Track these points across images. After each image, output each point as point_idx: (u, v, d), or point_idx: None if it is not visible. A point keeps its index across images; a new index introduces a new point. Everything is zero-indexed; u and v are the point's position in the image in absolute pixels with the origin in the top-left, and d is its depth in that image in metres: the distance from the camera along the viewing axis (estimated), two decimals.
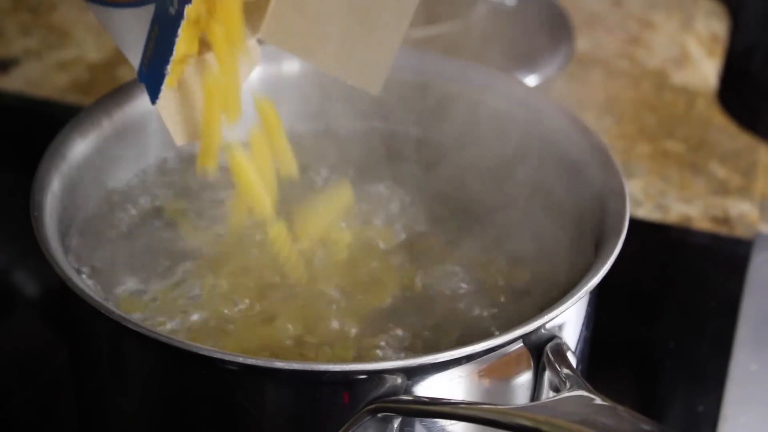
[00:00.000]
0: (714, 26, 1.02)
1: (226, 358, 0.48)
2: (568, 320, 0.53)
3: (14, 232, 0.80)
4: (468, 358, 0.50)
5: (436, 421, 0.51)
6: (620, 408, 0.45)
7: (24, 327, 0.75)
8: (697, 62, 0.98)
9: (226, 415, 0.50)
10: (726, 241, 0.79)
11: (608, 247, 0.54)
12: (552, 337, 0.52)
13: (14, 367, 0.71)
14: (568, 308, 0.51)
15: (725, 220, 0.82)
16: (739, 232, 0.81)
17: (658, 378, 0.70)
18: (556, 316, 0.51)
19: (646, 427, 0.43)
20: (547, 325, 0.51)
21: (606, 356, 0.70)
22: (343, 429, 0.49)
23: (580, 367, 0.56)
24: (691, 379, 0.70)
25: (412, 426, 0.50)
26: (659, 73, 0.96)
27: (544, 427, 0.45)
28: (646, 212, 0.82)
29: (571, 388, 0.47)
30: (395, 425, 0.50)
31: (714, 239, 0.80)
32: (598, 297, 0.56)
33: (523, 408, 0.46)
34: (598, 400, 0.46)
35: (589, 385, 0.48)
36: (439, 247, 0.60)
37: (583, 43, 0.98)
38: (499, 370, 0.51)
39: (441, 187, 0.64)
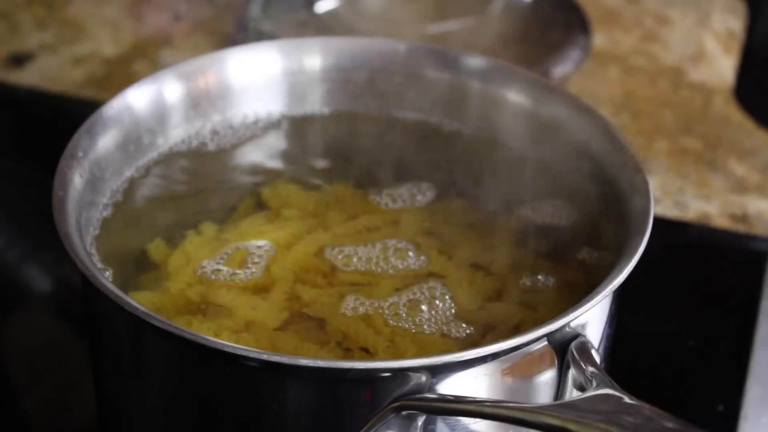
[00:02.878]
0: (730, 23, 1.02)
1: (250, 354, 0.48)
2: (592, 319, 0.53)
3: (27, 226, 0.80)
4: (493, 356, 0.49)
5: (459, 420, 0.50)
6: (647, 406, 0.45)
7: (36, 322, 0.75)
8: (714, 59, 0.97)
9: (248, 412, 0.50)
10: (745, 239, 0.79)
11: (632, 246, 0.54)
12: (576, 336, 0.51)
13: (27, 362, 0.71)
14: (592, 307, 0.51)
15: (743, 218, 0.81)
16: (758, 229, 0.80)
17: (678, 377, 0.70)
18: (581, 314, 0.51)
19: (673, 425, 0.43)
20: (572, 324, 0.51)
21: (625, 355, 0.70)
22: (366, 427, 0.49)
23: (603, 366, 0.56)
24: (710, 377, 0.69)
25: (435, 424, 0.50)
26: (676, 69, 0.96)
27: (571, 426, 0.44)
28: (664, 209, 0.82)
29: (598, 387, 0.47)
30: (419, 423, 0.49)
31: (733, 237, 0.79)
32: (621, 295, 0.56)
33: (549, 407, 0.46)
34: (626, 399, 0.46)
35: (615, 384, 0.48)
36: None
37: (599, 39, 0.98)
38: (523, 368, 0.51)
39: (460, 182, 0.64)
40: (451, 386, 0.49)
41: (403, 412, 0.49)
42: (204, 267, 0.58)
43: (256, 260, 0.58)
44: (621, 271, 0.52)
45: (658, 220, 0.79)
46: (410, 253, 0.60)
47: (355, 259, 0.59)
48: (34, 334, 0.73)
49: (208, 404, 0.51)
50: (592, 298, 0.51)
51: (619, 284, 0.52)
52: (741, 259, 0.78)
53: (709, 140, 0.89)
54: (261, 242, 0.59)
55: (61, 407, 0.68)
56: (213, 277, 0.58)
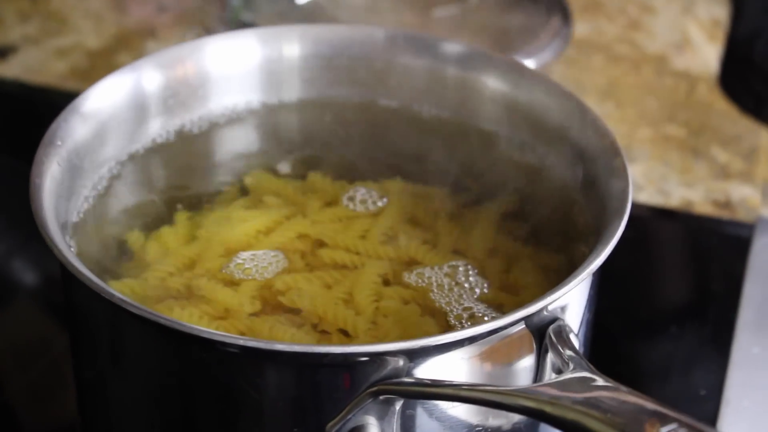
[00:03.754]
0: (715, 11, 1.02)
1: (227, 340, 0.48)
2: (571, 302, 0.53)
3: (13, 220, 0.80)
4: (470, 340, 0.49)
5: (438, 404, 0.50)
6: (624, 388, 0.45)
7: (23, 315, 0.75)
8: (698, 47, 0.97)
9: (226, 398, 0.50)
10: (727, 225, 0.79)
11: (611, 229, 0.54)
12: (554, 319, 0.51)
13: (13, 354, 0.71)
14: (570, 290, 0.51)
15: (727, 204, 0.82)
16: (741, 215, 0.80)
17: (660, 362, 0.70)
18: (559, 298, 0.51)
19: (649, 406, 0.43)
20: (549, 307, 0.51)
21: (608, 340, 0.70)
22: (344, 412, 0.49)
23: (582, 350, 0.56)
24: (693, 363, 0.69)
25: (414, 408, 0.50)
26: (660, 57, 0.96)
27: (547, 408, 0.44)
28: (648, 197, 0.82)
29: (574, 370, 0.47)
30: (397, 408, 0.49)
31: (715, 223, 0.80)
32: (600, 279, 0.56)
33: (525, 389, 0.46)
34: (601, 381, 0.46)
35: (592, 366, 0.48)
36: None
37: (583, 28, 0.98)
38: (501, 352, 0.51)
39: (440, 169, 0.63)
40: (429, 370, 0.49)
41: (381, 397, 0.49)
42: (185, 256, 0.58)
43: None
44: (598, 254, 0.52)
45: (641, 207, 0.80)
46: (392, 240, 0.60)
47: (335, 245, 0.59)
48: (20, 326, 0.73)
49: (185, 391, 0.51)
50: (570, 282, 0.51)
51: (596, 268, 0.52)
52: (724, 245, 0.78)
53: (692, 127, 0.89)
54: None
55: (46, 396, 0.68)
56: (193, 265, 0.58)
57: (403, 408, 0.50)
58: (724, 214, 0.80)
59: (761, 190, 0.83)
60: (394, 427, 0.50)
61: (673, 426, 0.41)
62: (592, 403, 0.44)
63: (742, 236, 0.76)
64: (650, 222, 0.79)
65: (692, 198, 0.82)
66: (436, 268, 0.58)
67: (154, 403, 0.53)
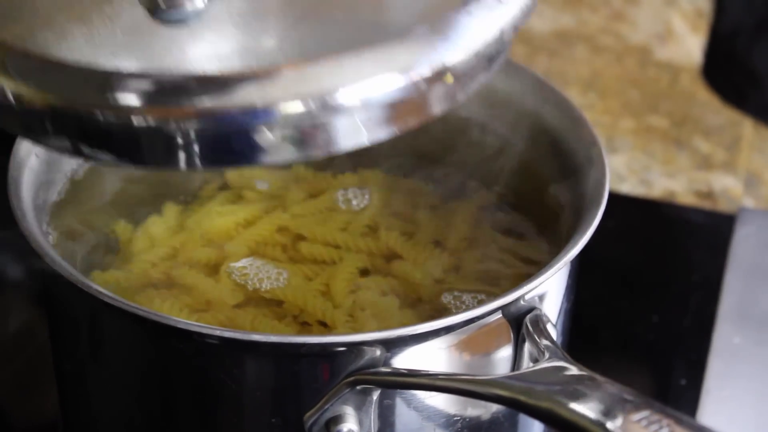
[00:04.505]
0: (698, 2, 1.02)
1: (204, 331, 0.48)
2: (548, 292, 0.53)
3: None
4: (447, 330, 0.49)
5: (415, 394, 0.51)
6: (598, 377, 0.45)
7: (6, 307, 0.75)
8: (682, 38, 0.97)
9: (204, 389, 0.50)
10: (709, 215, 0.79)
11: (588, 218, 0.54)
12: (531, 309, 0.52)
13: None
14: (547, 279, 0.51)
15: (709, 195, 0.82)
16: (723, 206, 0.81)
17: (641, 352, 0.70)
18: (535, 287, 0.51)
19: (623, 395, 0.43)
20: (526, 297, 0.51)
21: (589, 331, 0.70)
22: (322, 402, 0.49)
23: (560, 340, 0.56)
24: (673, 353, 0.70)
25: (392, 398, 0.50)
26: (643, 48, 0.96)
27: (521, 397, 0.44)
28: (630, 187, 0.82)
29: (550, 359, 0.47)
30: (374, 397, 0.49)
31: (697, 213, 0.80)
32: (578, 269, 0.56)
33: (500, 378, 0.46)
34: (576, 370, 0.46)
35: (567, 356, 0.48)
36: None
37: (567, 19, 0.98)
38: (478, 342, 0.51)
39: (420, 158, 0.64)
40: (407, 360, 0.49)
41: (358, 387, 0.49)
42: (168, 248, 0.58)
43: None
44: (575, 244, 0.53)
45: (622, 198, 0.80)
46: (372, 233, 0.60)
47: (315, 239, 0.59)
48: (4, 318, 0.73)
49: (164, 382, 0.51)
50: (546, 271, 0.51)
51: (573, 257, 0.52)
52: (705, 236, 0.78)
53: (675, 118, 0.89)
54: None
55: (30, 388, 0.68)
56: (176, 257, 0.58)
57: (381, 398, 0.50)
58: (705, 205, 0.81)
59: (744, 181, 0.83)
60: (372, 417, 0.50)
61: (645, 413, 0.41)
62: (566, 392, 0.44)
63: (723, 226, 0.76)
64: (632, 212, 0.79)
65: (674, 188, 0.82)
66: (415, 259, 0.58)
67: (134, 394, 0.53)
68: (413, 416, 0.51)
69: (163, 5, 0.44)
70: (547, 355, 0.48)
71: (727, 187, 0.82)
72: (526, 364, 0.52)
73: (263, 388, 0.50)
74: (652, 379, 0.68)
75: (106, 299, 0.49)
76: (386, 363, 0.49)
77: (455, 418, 0.52)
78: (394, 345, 0.49)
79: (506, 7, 0.45)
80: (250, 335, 0.48)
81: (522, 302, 0.51)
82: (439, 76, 0.43)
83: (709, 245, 0.77)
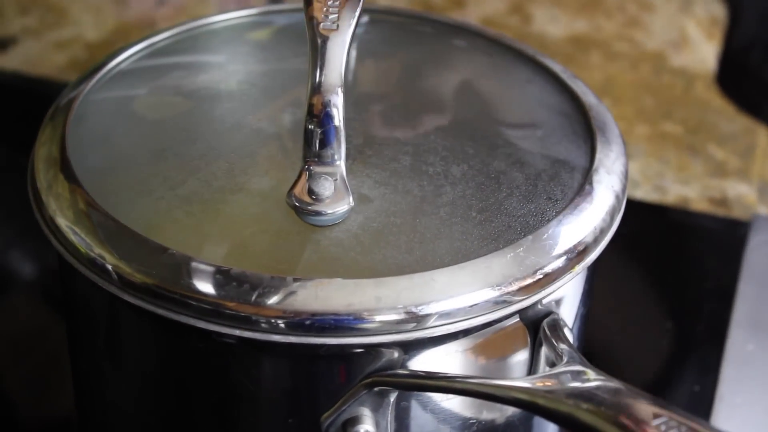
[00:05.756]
0: (713, 9, 1.02)
1: (222, 330, 0.48)
2: (565, 296, 0.53)
3: (11, 211, 0.80)
4: (464, 333, 0.50)
5: (432, 396, 0.51)
6: (618, 382, 0.45)
7: (20, 306, 0.75)
8: (696, 45, 0.98)
9: (221, 388, 0.50)
10: (723, 222, 0.80)
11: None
12: (549, 313, 0.52)
13: (9, 345, 0.71)
14: (564, 284, 0.51)
15: (723, 202, 0.82)
16: (737, 213, 0.81)
17: (655, 358, 0.70)
18: (553, 291, 0.51)
19: (641, 400, 0.43)
20: (544, 301, 0.51)
21: (603, 336, 0.70)
22: (339, 403, 0.49)
23: (576, 344, 0.57)
24: (687, 359, 0.70)
25: (408, 401, 0.50)
26: (658, 55, 0.96)
27: (540, 401, 0.45)
28: (644, 193, 0.82)
29: (568, 363, 0.47)
30: (391, 399, 0.50)
31: (711, 220, 0.80)
32: (594, 274, 0.56)
33: (518, 382, 0.46)
34: (594, 374, 0.46)
35: (585, 360, 0.48)
36: None
37: (581, 25, 0.98)
38: (495, 345, 0.51)
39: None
40: (424, 362, 0.50)
41: (376, 389, 0.49)
42: None
43: None
44: (594, 248, 0.53)
45: (637, 204, 0.80)
46: None
47: None
48: (17, 318, 0.73)
49: (181, 381, 0.51)
50: (564, 276, 0.51)
51: (591, 263, 0.52)
52: (719, 242, 0.78)
53: (689, 125, 0.89)
54: None
55: (43, 388, 0.68)
56: None
57: (398, 400, 0.50)
58: (719, 212, 0.81)
59: (758, 188, 0.83)
60: (389, 419, 0.50)
61: (663, 419, 0.41)
62: (585, 396, 0.44)
63: (738, 233, 0.76)
64: (646, 218, 0.80)
65: (688, 195, 0.82)
66: None
67: (150, 393, 0.53)
68: (429, 419, 0.51)
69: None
70: (565, 359, 0.48)
71: (741, 195, 0.82)
72: (543, 369, 0.52)
73: (280, 389, 0.50)
74: (665, 385, 0.69)
75: (125, 297, 0.49)
76: (403, 365, 0.49)
77: (471, 421, 0.52)
78: (411, 347, 0.49)
79: None
80: (268, 336, 0.48)
81: (540, 306, 0.51)
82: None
83: (722, 252, 0.77)
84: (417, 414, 0.51)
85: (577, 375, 0.46)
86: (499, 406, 0.51)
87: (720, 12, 1.01)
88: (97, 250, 0.50)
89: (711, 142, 0.87)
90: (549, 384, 0.45)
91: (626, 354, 0.71)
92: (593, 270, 0.56)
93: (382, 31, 0.64)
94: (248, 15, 0.65)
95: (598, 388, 0.45)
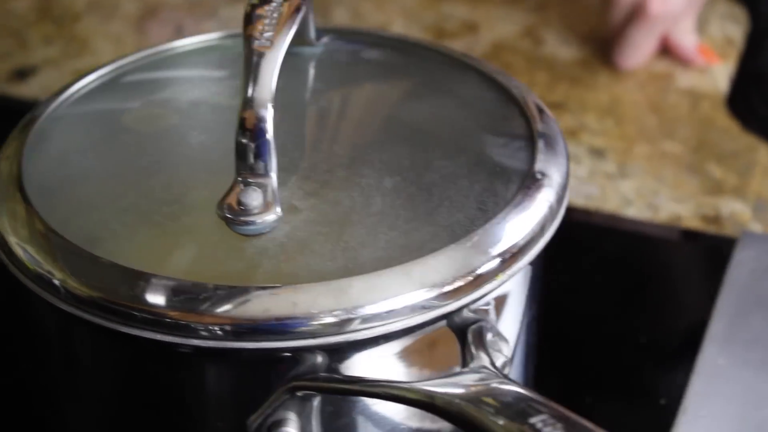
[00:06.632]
0: (729, 29, 1.02)
1: (145, 335, 0.50)
2: (498, 304, 0.54)
3: None
4: (386, 338, 0.51)
5: (360, 400, 0.52)
6: (512, 383, 0.46)
7: None
8: (708, 65, 0.97)
9: (148, 392, 0.52)
10: (710, 239, 0.79)
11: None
12: (476, 320, 0.52)
13: None
14: (490, 291, 0.52)
15: (715, 219, 0.82)
16: (729, 231, 0.80)
17: (626, 372, 0.70)
18: (479, 298, 0.52)
19: (529, 400, 0.44)
20: (472, 307, 0.52)
21: (576, 349, 0.71)
22: (262, 408, 0.51)
23: (520, 352, 0.57)
24: (659, 373, 0.70)
25: (337, 406, 0.52)
26: (667, 75, 0.96)
27: (437, 401, 0.46)
28: (636, 211, 0.82)
29: (474, 367, 0.48)
30: (315, 403, 0.51)
31: (699, 237, 0.80)
32: (537, 283, 0.57)
33: (422, 384, 0.47)
34: (497, 380, 0.47)
35: (497, 367, 0.49)
36: None
37: (592, 47, 0.99)
38: (422, 349, 0.52)
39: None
40: (352, 367, 0.51)
41: (298, 393, 0.50)
42: None
43: None
44: (527, 252, 0.54)
45: (621, 220, 0.80)
46: None
47: None
48: None
49: (103, 385, 0.53)
50: (489, 283, 0.52)
51: (523, 266, 0.53)
52: (702, 258, 0.78)
53: (690, 144, 0.89)
54: None
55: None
56: None
57: (324, 404, 0.51)
58: (710, 229, 0.80)
59: (753, 206, 0.83)
60: (314, 423, 0.51)
61: (543, 416, 0.42)
62: (475, 397, 0.45)
63: (721, 249, 0.76)
64: (629, 235, 0.80)
65: (681, 213, 0.82)
66: None
67: (72, 394, 0.55)
68: (358, 423, 0.52)
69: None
70: (477, 364, 0.49)
71: (734, 212, 0.82)
72: None
73: (206, 392, 0.51)
74: (632, 398, 0.69)
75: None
76: (331, 370, 0.51)
77: (401, 427, 0.53)
78: (334, 352, 0.50)
79: None
80: (189, 340, 0.50)
81: (467, 313, 0.52)
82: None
83: (706, 268, 0.77)
84: (345, 418, 0.52)
85: (478, 377, 0.47)
86: (428, 414, 0.52)
87: (736, 32, 1.01)
88: (47, 267, 0.52)
89: (710, 160, 0.87)
90: (447, 385, 0.46)
91: (597, 367, 0.71)
92: (539, 275, 0.57)
93: (328, 48, 0.65)
94: (212, 39, 0.67)
95: (497, 392, 0.46)
